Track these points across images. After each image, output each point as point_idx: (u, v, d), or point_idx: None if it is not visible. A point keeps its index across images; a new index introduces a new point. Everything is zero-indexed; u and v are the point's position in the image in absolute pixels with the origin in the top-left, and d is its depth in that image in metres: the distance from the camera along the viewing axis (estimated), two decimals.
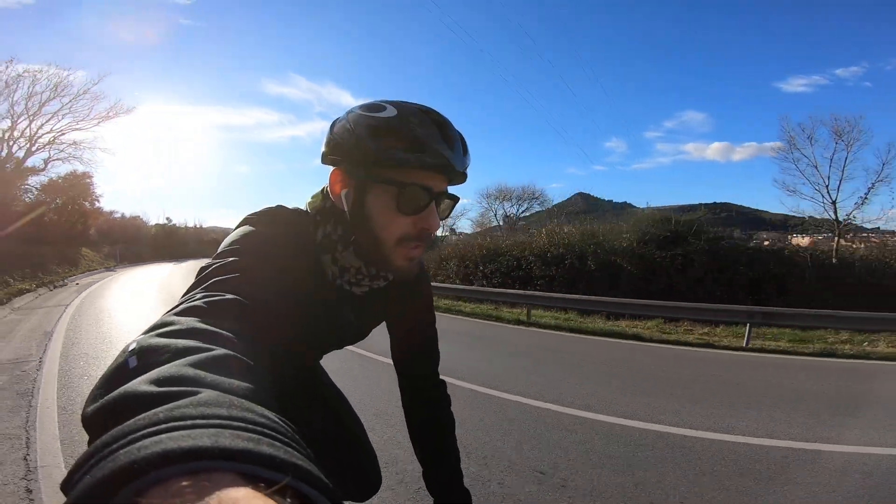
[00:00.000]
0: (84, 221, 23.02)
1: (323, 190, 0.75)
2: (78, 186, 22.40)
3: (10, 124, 18.66)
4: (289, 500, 0.21)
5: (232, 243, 0.62)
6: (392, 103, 0.67)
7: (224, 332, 0.41)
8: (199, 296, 0.48)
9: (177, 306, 0.46)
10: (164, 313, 0.45)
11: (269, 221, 0.69)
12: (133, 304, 9.05)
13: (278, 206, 0.75)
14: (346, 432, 1.12)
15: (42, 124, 19.65)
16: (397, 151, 0.63)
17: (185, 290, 0.53)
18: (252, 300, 0.50)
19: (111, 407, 0.29)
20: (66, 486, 0.23)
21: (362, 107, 0.68)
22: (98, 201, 24.81)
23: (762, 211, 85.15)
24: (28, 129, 19.40)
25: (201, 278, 0.54)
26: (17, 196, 19.27)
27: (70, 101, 19.78)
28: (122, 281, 14.45)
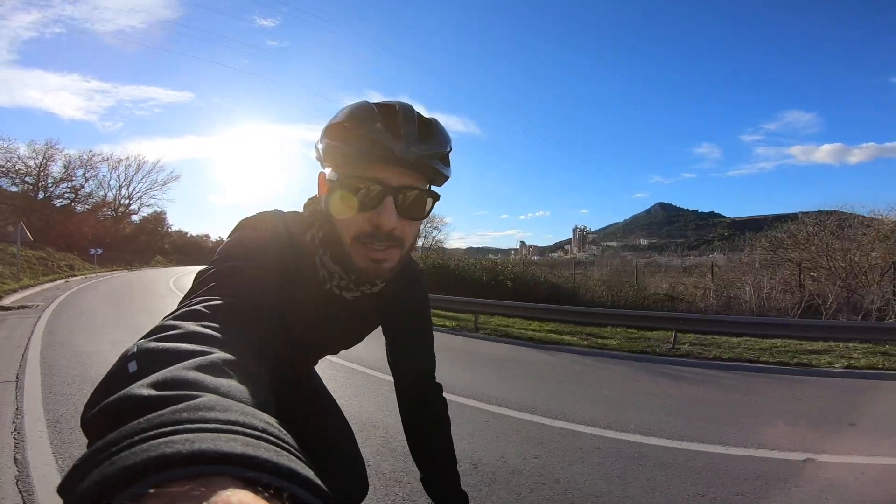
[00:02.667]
0: (160, 240, 40.97)
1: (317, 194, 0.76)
2: (156, 220, 40.68)
3: (118, 188, 36.09)
4: None
5: (228, 248, 0.63)
6: (351, 104, 0.67)
7: (222, 335, 0.41)
8: (197, 300, 0.49)
9: (175, 311, 0.47)
10: (164, 318, 0.45)
11: (265, 226, 0.70)
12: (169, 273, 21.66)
13: (274, 210, 0.76)
14: (336, 438, 1.12)
15: (135, 187, 37.08)
16: (346, 148, 0.64)
17: (183, 295, 0.54)
18: (248, 304, 0.51)
19: (111, 411, 0.29)
20: (62, 490, 0.23)
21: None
22: (169, 228, 43.41)
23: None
24: (127, 189, 36.79)
25: (199, 283, 0.55)
26: (124, 227, 36.43)
27: (146, 174, 37.11)
28: (174, 270, 28.99)
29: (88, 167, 32.15)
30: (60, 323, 6.76)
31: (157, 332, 0.40)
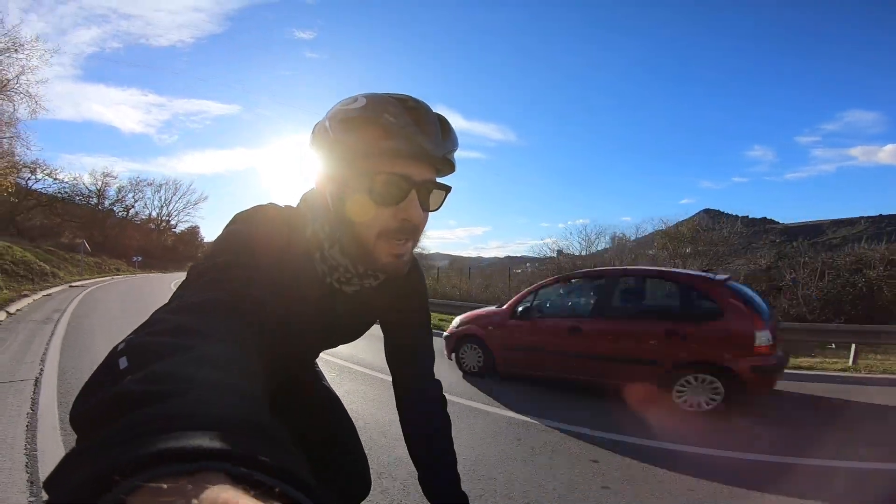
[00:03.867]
0: (194, 250, 49.63)
1: (314, 188, 0.74)
2: (192, 233, 49.33)
3: (160, 207, 44.77)
4: (276, 502, 0.21)
5: (222, 242, 0.62)
6: (366, 95, 0.65)
7: (214, 330, 0.40)
8: (189, 294, 0.49)
9: (167, 305, 0.47)
10: (155, 311, 0.45)
11: (260, 220, 0.69)
12: None
13: (269, 203, 0.74)
14: (338, 435, 1.11)
15: (173, 206, 45.53)
16: (369, 141, 0.62)
17: (175, 289, 0.54)
18: (242, 298, 0.50)
19: (102, 407, 0.29)
20: (48, 486, 0.23)
21: (338, 103, 0.67)
22: (202, 240, 51.49)
23: None
24: (167, 208, 45.36)
25: (192, 277, 0.55)
26: (166, 239, 44.97)
27: (181, 195, 45.54)
28: None
29: (136, 190, 41.48)
30: (98, 293, 13.42)
31: (149, 325, 0.40)
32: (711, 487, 2.57)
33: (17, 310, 8.42)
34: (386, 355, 0.96)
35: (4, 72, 13.79)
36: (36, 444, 2.74)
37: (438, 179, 0.70)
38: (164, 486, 0.20)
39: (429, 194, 0.68)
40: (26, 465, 2.50)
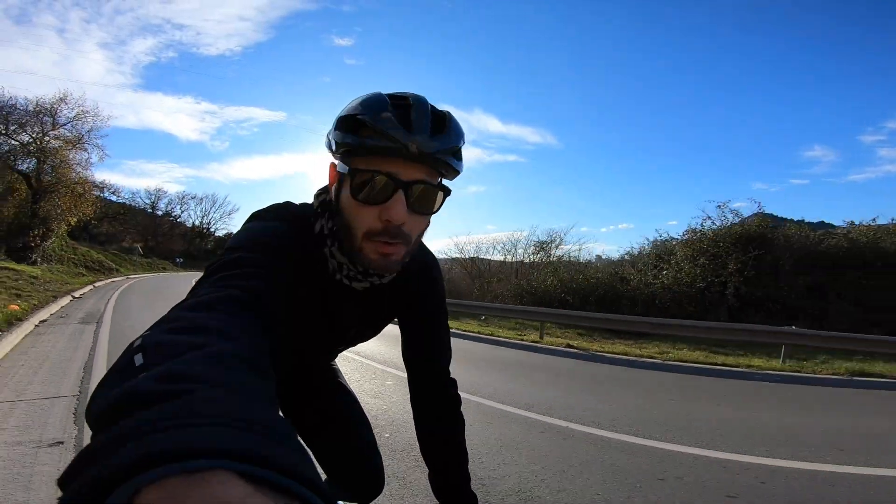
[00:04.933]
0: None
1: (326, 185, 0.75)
2: (228, 238, 61.68)
3: (201, 217, 52.57)
4: (284, 500, 0.22)
5: (239, 239, 0.63)
6: (366, 94, 0.66)
7: (228, 327, 0.41)
8: (206, 291, 0.50)
9: (184, 302, 0.48)
10: (171, 308, 0.46)
11: (275, 217, 0.71)
12: None
13: (286, 201, 0.76)
14: (352, 432, 1.11)
15: (212, 216, 53.57)
16: (359, 140, 0.62)
17: (192, 286, 0.54)
18: (257, 295, 0.51)
19: (115, 404, 0.29)
20: (62, 483, 0.24)
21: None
22: None
23: None
24: (207, 217, 53.58)
25: (208, 274, 0.56)
26: (206, 243, 52.29)
27: (217, 207, 53.96)
28: None
29: (183, 203, 50.37)
30: (144, 282, 19.83)
31: (165, 322, 0.41)
32: None
33: (96, 285, 14.80)
34: (402, 352, 0.94)
35: (80, 129, 20.27)
36: (93, 360, 4.30)
37: (444, 182, 0.69)
38: (171, 485, 0.20)
39: (421, 195, 0.65)
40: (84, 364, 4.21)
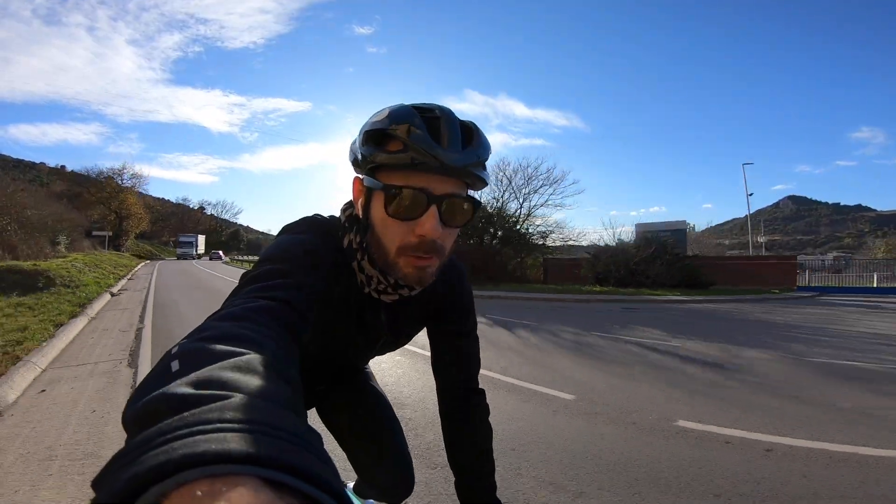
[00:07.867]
0: (237, 244, 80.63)
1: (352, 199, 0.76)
2: (235, 234, 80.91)
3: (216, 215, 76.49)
4: None
5: (271, 251, 0.65)
6: (392, 107, 0.66)
7: (260, 337, 0.42)
8: (240, 302, 0.52)
9: (219, 311, 0.50)
10: (207, 318, 0.48)
11: (306, 230, 0.73)
12: None
13: (315, 214, 0.79)
14: (383, 435, 1.13)
15: (223, 216, 76.34)
16: (388, 155, 0.63)
17: (227, 296, 0.57)
18: (289, 306, 0.53)
19: (149, 408, 0.30)
20: (96, 485, 0.25)
21: (369, 117, 0.69)
22: (243, 239, 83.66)
23: None
24: (220, 215, 77.21)
25: (242, 284, 0.58)
26: (221, 236, 74.50)
27: (234, 215, 76.86)
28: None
29: (203, 207, 70.46)
30: (175, 263, 36.80)
31: (200, 332, 0.42)
32: None
33: (147, 263, 32.12)
34: (431, 362, 0.95)
35: (136, 183, 41.74)
36: (144, 321, 6.58)
37: (471, 192, 0.69)
38: (198, 488, 0.21)
39: (453, 209, 0.66)
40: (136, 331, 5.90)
